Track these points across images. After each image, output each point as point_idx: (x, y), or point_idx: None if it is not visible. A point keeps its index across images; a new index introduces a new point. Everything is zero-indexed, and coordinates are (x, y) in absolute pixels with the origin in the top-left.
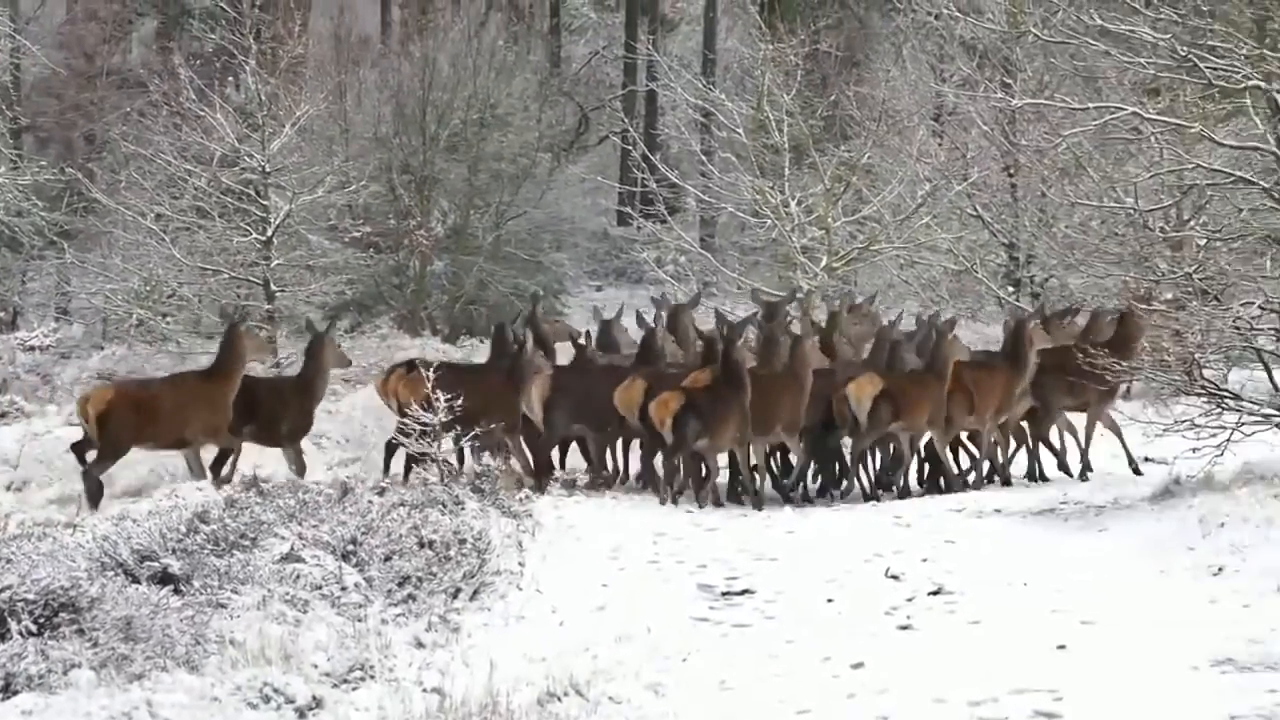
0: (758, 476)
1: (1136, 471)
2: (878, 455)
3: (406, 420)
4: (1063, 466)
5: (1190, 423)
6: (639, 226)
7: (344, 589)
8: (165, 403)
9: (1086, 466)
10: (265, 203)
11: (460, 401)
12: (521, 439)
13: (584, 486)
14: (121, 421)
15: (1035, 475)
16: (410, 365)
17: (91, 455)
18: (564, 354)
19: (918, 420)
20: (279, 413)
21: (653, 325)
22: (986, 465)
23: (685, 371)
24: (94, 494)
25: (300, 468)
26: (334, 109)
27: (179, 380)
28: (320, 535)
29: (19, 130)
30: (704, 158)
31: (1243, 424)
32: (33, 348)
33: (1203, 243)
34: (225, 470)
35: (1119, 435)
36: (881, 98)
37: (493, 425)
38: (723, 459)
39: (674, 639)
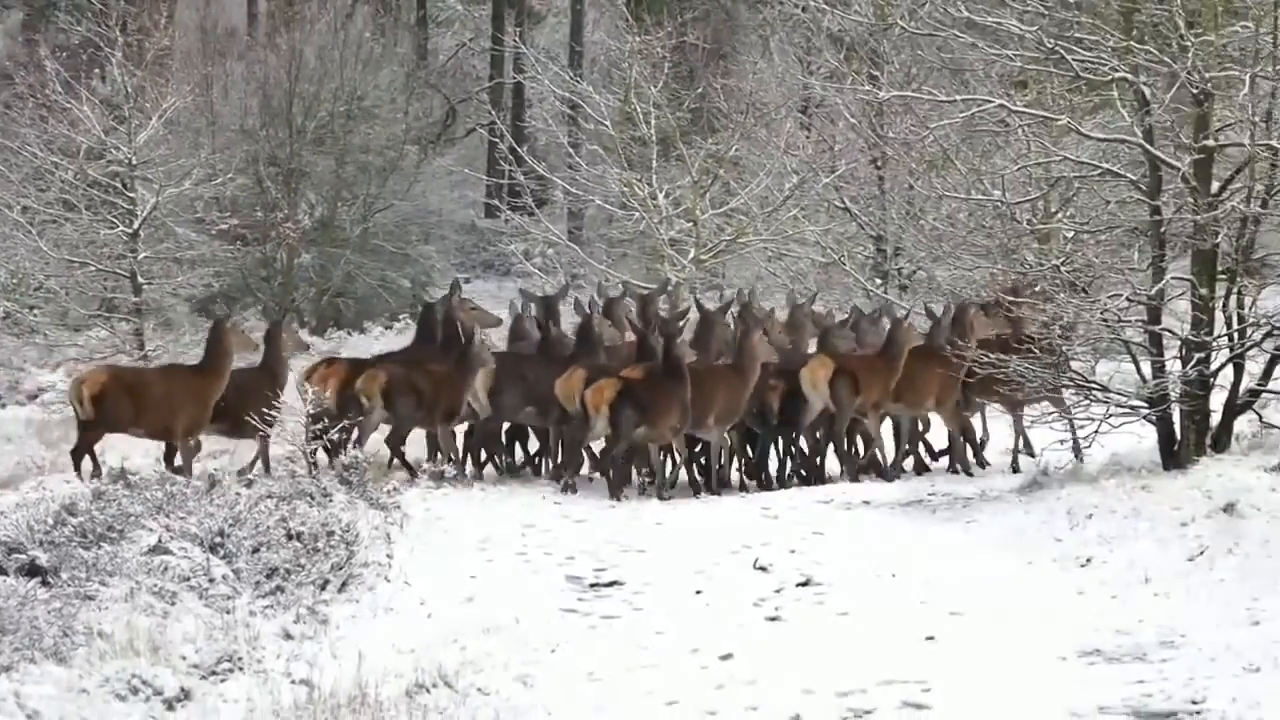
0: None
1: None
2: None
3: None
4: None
5: (1056, 415)
6: (507, 219)
7: (212, 581)
8: (156, 391)
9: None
10: (132, 195)
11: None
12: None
13: (452, 479)
14: (115, 404)
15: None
16: (331, 361)
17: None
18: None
19: (873, 401)
20: (248, 405)
21: (589, 312)
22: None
23: (625, 362)
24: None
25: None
26: (200, 101)
27: (171, 371)
28: (188, 527)
29: None
30: (571, 150)
31: (1110, 415)
32: None
33: (1070, 235)
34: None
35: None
36: (749, 90)
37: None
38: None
39: (542, 630)
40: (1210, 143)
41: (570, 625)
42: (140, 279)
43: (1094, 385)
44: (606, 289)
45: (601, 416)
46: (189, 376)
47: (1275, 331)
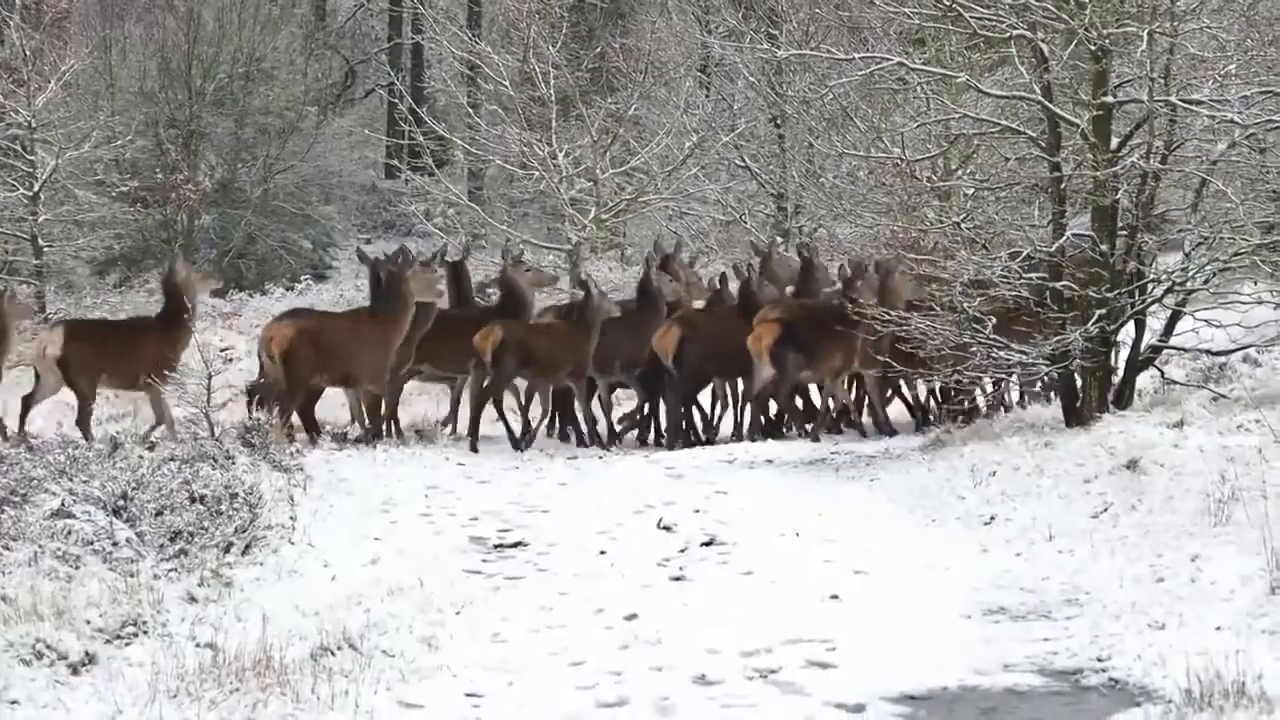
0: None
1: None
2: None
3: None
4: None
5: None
6: (407, 180)
7: (115, 544)
8: (339, 338)
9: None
10: (31, 158)
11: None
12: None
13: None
14: (302, 357)
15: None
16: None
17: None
18: None
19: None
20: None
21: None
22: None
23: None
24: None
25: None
26: (99, 64)
27: (354, 316)
28: (91, 491)
29: None
30: (471, 111)
31: (1012, 373)
32: None
33: (970, 192)
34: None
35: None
36: (647, 49)
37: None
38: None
39: (446, 592)
40: (1109, 99)
41: (475, 586)
42: (41, 242)
43: (997, 343)
44: (664, 246)
45: (488, 360)
46: (368, 323)
47: (1176, 287)
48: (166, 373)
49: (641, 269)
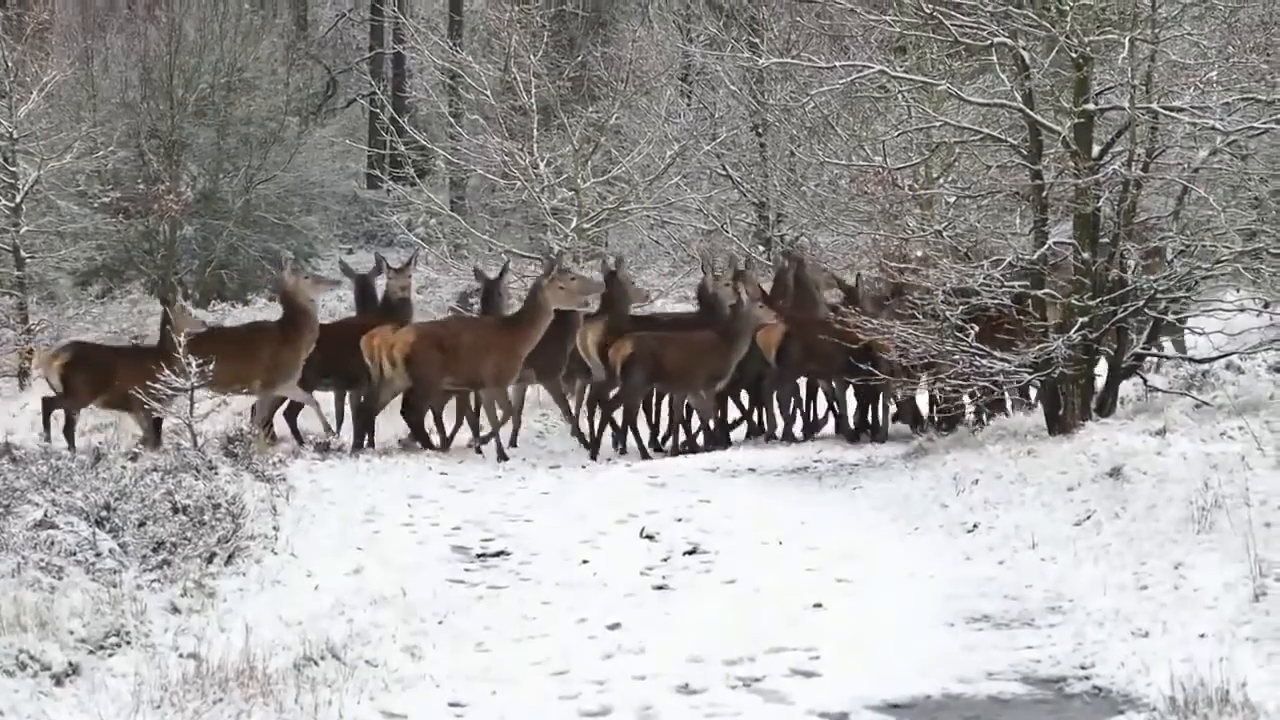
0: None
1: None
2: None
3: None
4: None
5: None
6: (389, 189)
7: (99, 555)
8: (465, 343)
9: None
10: (13, 169)
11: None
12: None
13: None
14: (427, 360)
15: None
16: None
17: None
18: None
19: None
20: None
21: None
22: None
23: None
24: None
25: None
26: (81, 75)
27: (479, 323)
28: (74, 501)
29: None
30: (452, 120)
31: (996, 380)
32: None
33: (952, 200)
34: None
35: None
36: (629, 58)
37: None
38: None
39: (430, 602)
40: (1090, 107)
41: (458, 596)
42: (23, 253)
43: (980, 351)
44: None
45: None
46: (496, 329)
47: (1158, 295)
48: (282, 378)
49: (702, 278)
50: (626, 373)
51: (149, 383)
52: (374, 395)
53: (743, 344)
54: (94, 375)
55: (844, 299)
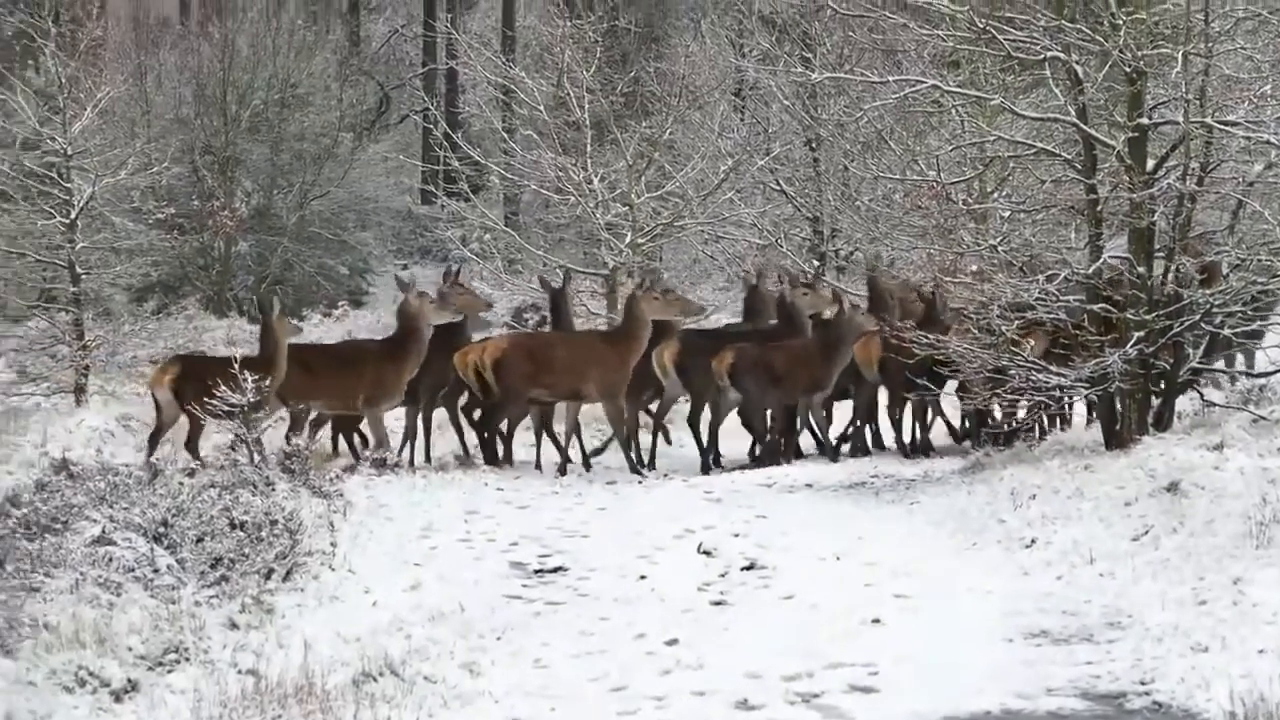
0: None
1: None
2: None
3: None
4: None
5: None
6: (443, 205)
7: (156, 571)
8: (560, 356)
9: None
10: (68, 185)
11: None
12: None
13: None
14: (516, 370)
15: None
16: None
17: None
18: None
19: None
20: None
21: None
22: None
23: None
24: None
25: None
26: (135, 91)
27: (578, 336)
28: (132, 518)
29: None
30: (506, 135)
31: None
32: None
33: (1006, 215)
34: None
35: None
36: (681, 73)
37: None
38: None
39: (487, 617)
40: (1144, 121)
41: (515, 612)
42: (78, 269)
43: (1037, 366)
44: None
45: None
46: (597, 342)
47: (1214, 310)
48: (385, 396)
49: (780, 289)
50: (737, 383)
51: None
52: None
53: (846, 352)
54: (203, 387)
55: (923, 311)
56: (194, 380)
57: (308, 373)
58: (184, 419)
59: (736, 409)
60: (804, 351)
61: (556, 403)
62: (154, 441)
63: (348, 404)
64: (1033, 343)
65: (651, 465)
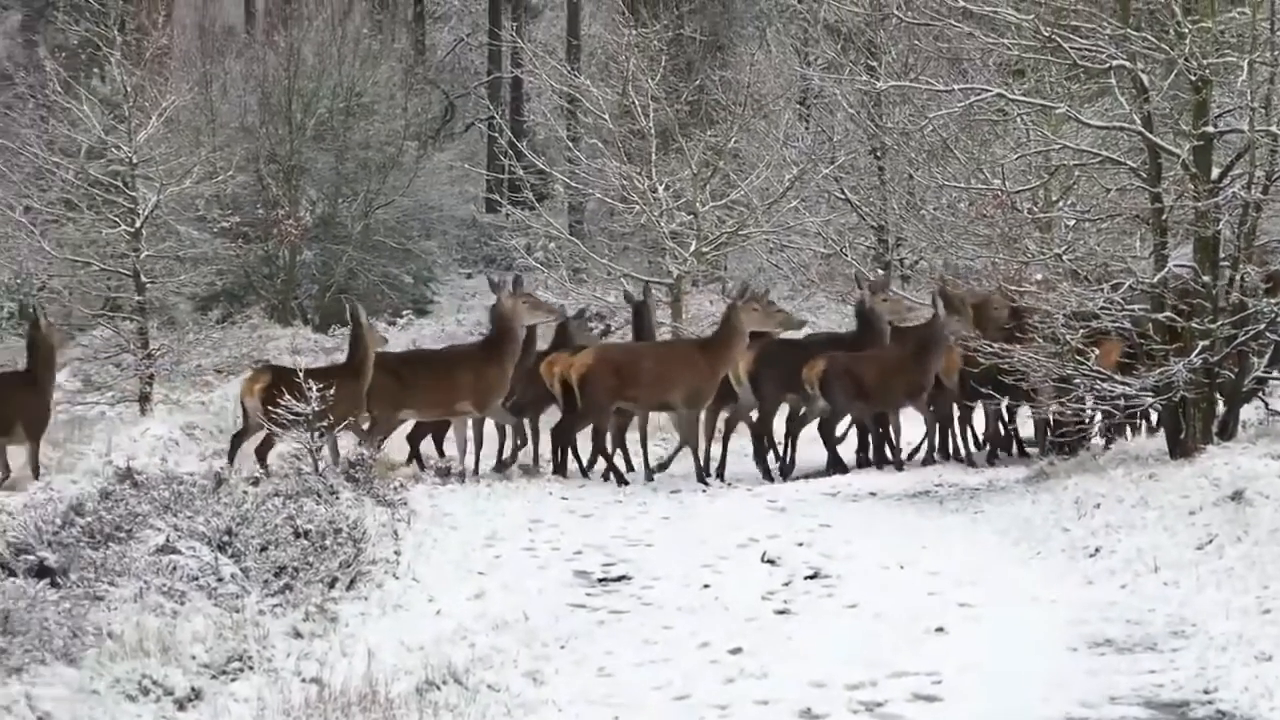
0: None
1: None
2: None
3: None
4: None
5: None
6: (507, 213)
7: (220, 580)
8: (648, 367)
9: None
10: (133, 194)
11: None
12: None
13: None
14: (600, 383)
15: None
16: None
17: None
18: None
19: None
20: None
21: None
22: None
23: None
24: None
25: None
26: (200, 99)
27: (669, 346)
28: (196, 526)
29: None
30: (570, 144)
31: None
32: None
33: (1071, 223)
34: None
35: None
36: (746, 82)
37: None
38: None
39: (551, 626)
40: (1209, 129)
41: (579, 620)
42: (143, 278)
43: (1100, 374)
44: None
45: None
46: (690, 351)
47: (1279, 319)
48: (492, 398)
49: (860, 295)
50: (826, 392)
51: (344, 398)
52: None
53: (938, 357)
54: (294, 396)
55: (1011, 320)
56: (285, 390)
57: (402, 380)
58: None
59: (818, 418)
60: (897, 360)
61: (646, 413)
62: (238, 446)
63: (451, 410)
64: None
65: (720, 475)
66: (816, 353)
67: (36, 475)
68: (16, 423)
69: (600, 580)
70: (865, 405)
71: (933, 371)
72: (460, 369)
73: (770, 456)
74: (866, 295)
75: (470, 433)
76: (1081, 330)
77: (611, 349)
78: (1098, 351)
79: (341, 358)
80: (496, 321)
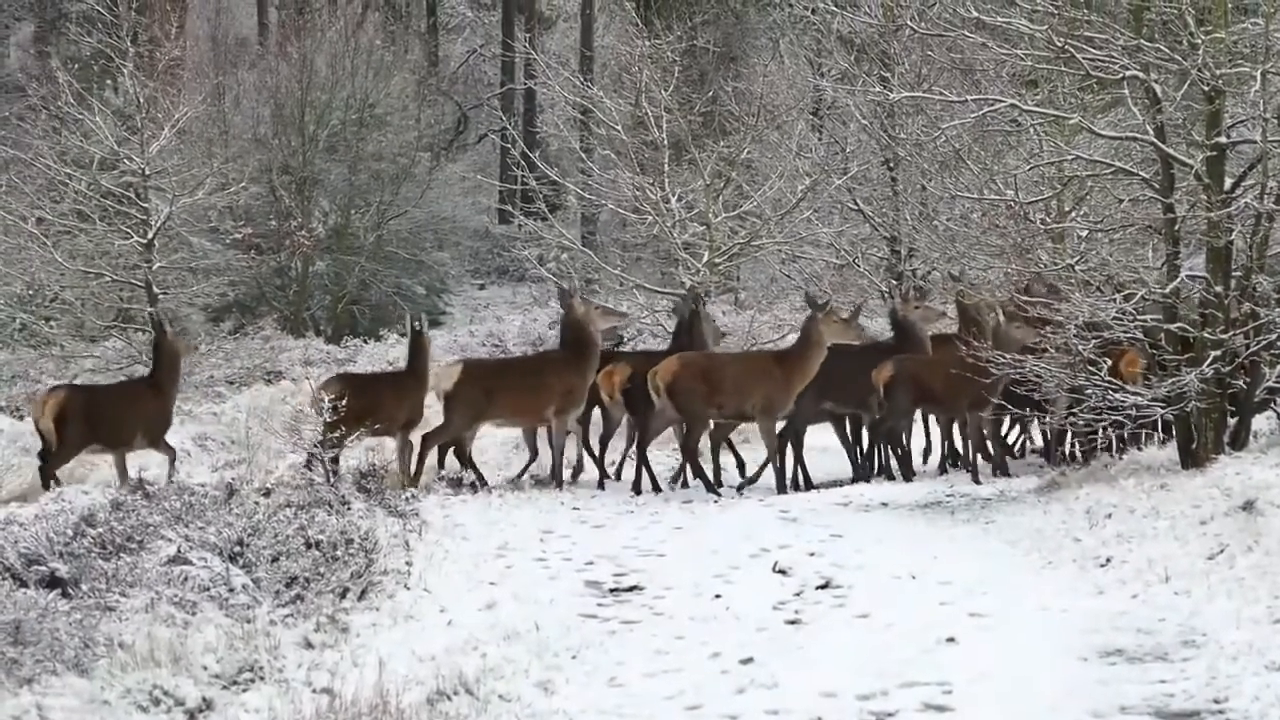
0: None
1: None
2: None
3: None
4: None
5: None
6: (520, 224)
7: (232, 590)
8: (731, 375)
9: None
10: (146, 205)
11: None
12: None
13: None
14: (690, 390)
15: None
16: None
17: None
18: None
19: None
20: None
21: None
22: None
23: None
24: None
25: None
26: (212, 111)
27: (749, 355)
28: (207, 537)
29: None
30: (583, 155)
31: (1131, 415)
32: None
33: (1084, 234)
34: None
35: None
36: (759, 93)
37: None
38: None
39: (563, 636)
40: (1222, 140)
41: (590, 630)
42: (155, 289)
43: (1112, 384)
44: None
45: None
46: (768, 361)
47: None
48: (574, 405)
49: (892, 305)
50: (891, 396)
51: (408, 405)
52: (645, 426)
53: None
54: (361, 403)
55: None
56: (353, 398)
57: (489, 391)
58: None
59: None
60: (964, 368)
61: (733, 423)
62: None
63: (540, 418)
64: (1123, 361)
65: (809, 484)
66: (872, 360)
67: (171, 476)
68: (137, 433)
69: (612, 590)
70: (936, 409)
71: (1000, 377)
72: (549, 377)
73: (789, 466)
74: (899, 304)
75: (556, 440)
76: (1095, 340)
77: (699, 357)
78: (1109, 362)
79: (353, 367)
80: (573, 329)
